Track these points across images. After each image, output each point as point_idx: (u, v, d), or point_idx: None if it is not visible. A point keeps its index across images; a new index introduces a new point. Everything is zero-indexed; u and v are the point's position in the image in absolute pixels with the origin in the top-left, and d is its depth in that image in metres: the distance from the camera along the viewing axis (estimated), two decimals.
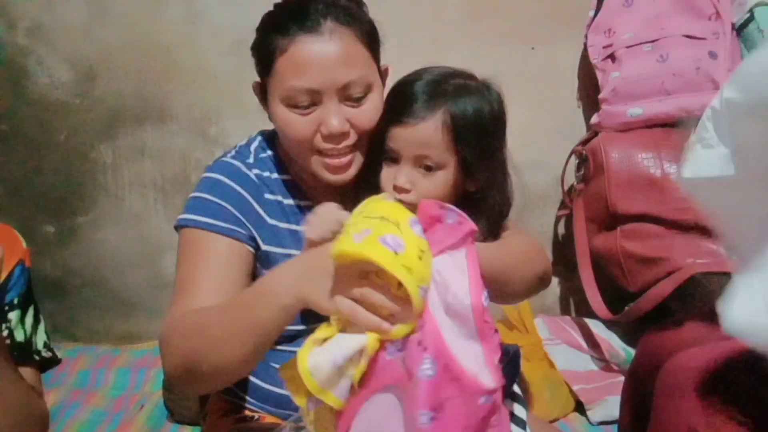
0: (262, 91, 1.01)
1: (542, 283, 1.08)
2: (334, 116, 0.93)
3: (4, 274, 0.91)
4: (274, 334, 0.83)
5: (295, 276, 0.79)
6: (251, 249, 1.01)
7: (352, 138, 0.96)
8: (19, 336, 0.93)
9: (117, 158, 2.04)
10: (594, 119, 1.86)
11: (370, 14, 1.02)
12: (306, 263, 0.80)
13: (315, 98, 0.94)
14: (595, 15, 1.88)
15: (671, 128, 1.75)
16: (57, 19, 1.96)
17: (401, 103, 0.94)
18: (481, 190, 0.97)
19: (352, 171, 0.99)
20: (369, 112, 0.96)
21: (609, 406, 1.66)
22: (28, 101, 2.01)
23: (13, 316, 0.92)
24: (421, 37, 1.92)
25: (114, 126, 2.02)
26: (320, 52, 0.92)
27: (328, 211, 0.84)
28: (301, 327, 0.99)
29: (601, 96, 1.83)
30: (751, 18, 1.75)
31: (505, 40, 1.94)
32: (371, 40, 0.99)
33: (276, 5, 1.00)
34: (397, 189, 0.93)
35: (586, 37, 1.90)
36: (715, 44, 1.73)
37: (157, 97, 2.00)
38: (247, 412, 1.09)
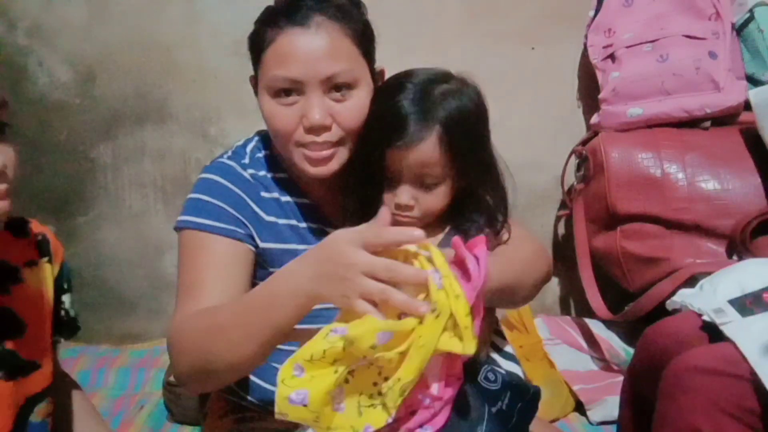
0: (256, 84, 1.02)
1: (547, 280, 1.10)
2: (316, 108, 0.94)
3: (57, 268, 1.06)
4: (288, 330, 0.84)
5: (310, 276, 0.80)
6: (251, 247, 1.03)
7: (335, 133, 0.97)
8: (72, 313, 1.07)
9: (117, 158, 2.04)
10: (594, 119, 1.86)
11: (368, 16, 1.03)
12: (320, 262, 0.80)
13: (297, 88, 0.95)
14: (595, 15, 1.88)
15: (671, 128, 1.76)
16: (57, 19, 1.96)
17: (393, 123, 0.93)
18: (475, 185, 0.98)
19: (334, 165, 0.99)
20: (353, 108, 0.97)
21: (609, 406, 1.66)
22: (28, 101, 2.01)
23: (66, 298, 1.06)
24: (421, 37, 1.92)
25: (114, 126, 2.02)
26: (305, 43, 0.94)
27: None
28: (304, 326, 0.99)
29: (601, 96, 1.83)
30: (751, 18, 1.75)
31: (505, 40, 1.95)
32: (363, 38, 0.99)
33: (276, 0, 1.02)
34: (400, 207, 0.95)
35: (586, 37, 1.90)
36: (715, 44, 1.73)
37: (157, 97, 2.00)
38: (247, 412, 1.09)
